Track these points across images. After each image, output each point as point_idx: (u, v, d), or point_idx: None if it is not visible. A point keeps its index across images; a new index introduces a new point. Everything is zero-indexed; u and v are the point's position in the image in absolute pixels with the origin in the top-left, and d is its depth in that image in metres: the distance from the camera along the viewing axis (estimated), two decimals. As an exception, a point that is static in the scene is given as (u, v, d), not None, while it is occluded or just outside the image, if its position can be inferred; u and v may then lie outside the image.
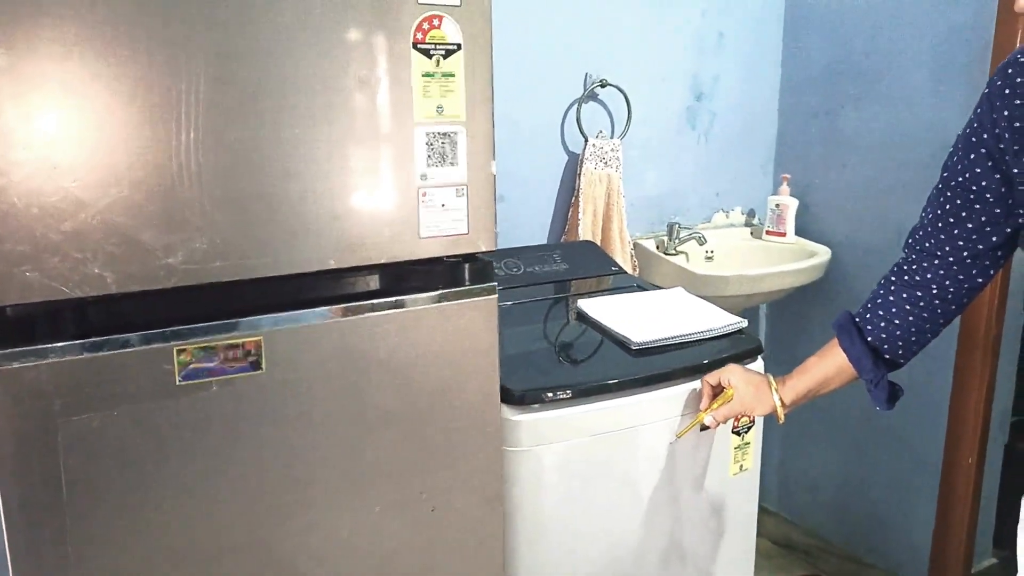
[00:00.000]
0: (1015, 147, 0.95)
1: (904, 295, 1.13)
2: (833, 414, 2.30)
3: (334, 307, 1.05)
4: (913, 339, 1.15)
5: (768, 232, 2.31)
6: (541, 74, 1.98)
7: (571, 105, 2.03)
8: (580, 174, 2.01)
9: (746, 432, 1.47)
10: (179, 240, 0.94)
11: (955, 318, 1.15)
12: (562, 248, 1.88)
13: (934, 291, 1.10)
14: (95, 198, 0.89)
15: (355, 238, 1.05)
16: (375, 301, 1.08)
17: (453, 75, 1.07)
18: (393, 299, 1.09)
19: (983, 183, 1.01)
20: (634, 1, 2.06)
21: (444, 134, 1.08)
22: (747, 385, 1.28)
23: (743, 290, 2.05)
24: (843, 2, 2.14)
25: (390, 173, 1.06)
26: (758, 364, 1.48)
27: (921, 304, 1.12)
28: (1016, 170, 0.97)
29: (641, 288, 1.76)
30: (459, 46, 1.07)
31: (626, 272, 1.90)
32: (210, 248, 0.95)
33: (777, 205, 2.29)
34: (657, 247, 2.18)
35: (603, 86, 2.04)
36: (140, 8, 0.88)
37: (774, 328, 2.53)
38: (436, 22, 1.05)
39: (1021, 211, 1.00)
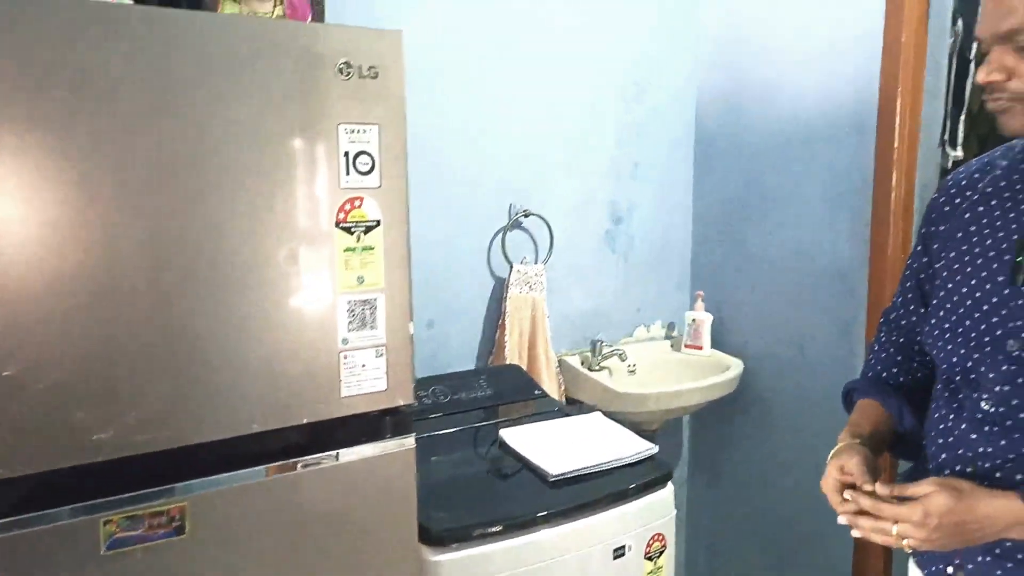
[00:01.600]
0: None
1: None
2: (756, 522, 2.41)
3: (257, 468, 1.12)
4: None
5: (687, 345, 2.46)
6: (469, 205, 2.12)
7: (497, 233, 2.16)
8: (506, 298, 2.13)
9: (658, 557, 1.55)
10: (110, 415, 1.00)
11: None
12: (488, 373, 1.97)
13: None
14: (33, 381, 0.95)
15: (280, 401, 1.13)
16: (299, 459, 1.15)
17: (373, 248, 1.18)
18: (315, 456, 1.16)
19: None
20: (554, 135, 2.23)
21: (364, 301, 1.18)
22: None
23: (663, 405, 2.17)
24: (744, 139, 2.35)
25: (314, 339, 1.15)
26: (668, 490, 1.58)
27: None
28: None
29: (562, 413, 1.86)
30: (378, 222, 1.18)
31: (548, 396, 2.00)
32: (139, 421, 1.02)
33: (693, 320, 2.44)
34: (582, 363, 2.29)
35: (527, 215, 2.18)
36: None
37: (697, 438, 2.65)
38: (358, 203, 1.16)
39: None
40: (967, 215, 1.05)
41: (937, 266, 1.08)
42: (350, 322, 1.17)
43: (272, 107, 1.08)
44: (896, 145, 1.95)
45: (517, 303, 2.13)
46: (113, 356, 1.00)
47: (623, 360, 2.29)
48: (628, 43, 2.33)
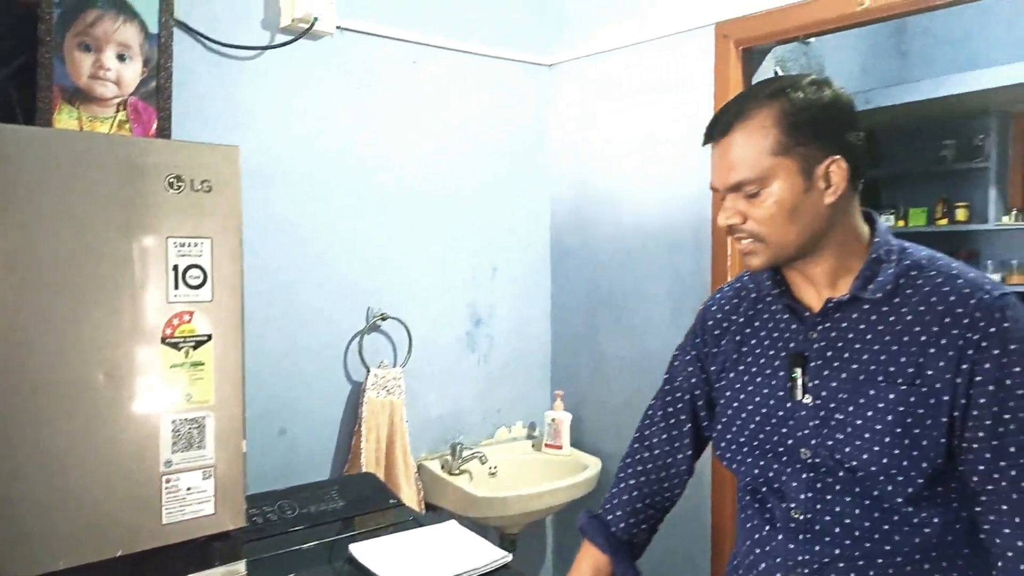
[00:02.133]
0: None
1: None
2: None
3: (62, 609, 1.02)
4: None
5: (547, 445, 2.48)
6: (324, 308, 2.09)
7: (354, 337, 2.14)
8: (363, 403, 2.09)
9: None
10: None
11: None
12: (340, 484, 1.91)
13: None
14: None
15: (94, 532, 1.04)
16: (111, 596, 1.06)
17: (203, 364, 1.14)
18: (131, 591, 1.08)
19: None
20: (413, 240, 2.27)
21: (192, 420, 1.13)
22: None
23: (523, 508, 2.16)
24: (595, 245, 2.47)
25: (132, 462, 1.08)
26: (521, 600, 1.56)
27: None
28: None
29: (417, 523, 1.81)
30: (209, 336, 1.15)
31: (404, 506, 1.95)
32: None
33: (553, 420, 2.47)
34: (442, 467, 2.26)
35: (384, 319, 2.18)
36: None
37: (560, 539, 2.64)
38: (187, 317, 1.13)
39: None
40: (738, 338, 1.14)
41: (719, 385, 1.16)
42: (175, 443, 1.11)
43: (96, 220, 1.05)
44: (729, 253, 2.10)
45: (374, 408, 2.10)
46: None
47: (483, 463, 2.28)
48: (485, 153, 2.43)
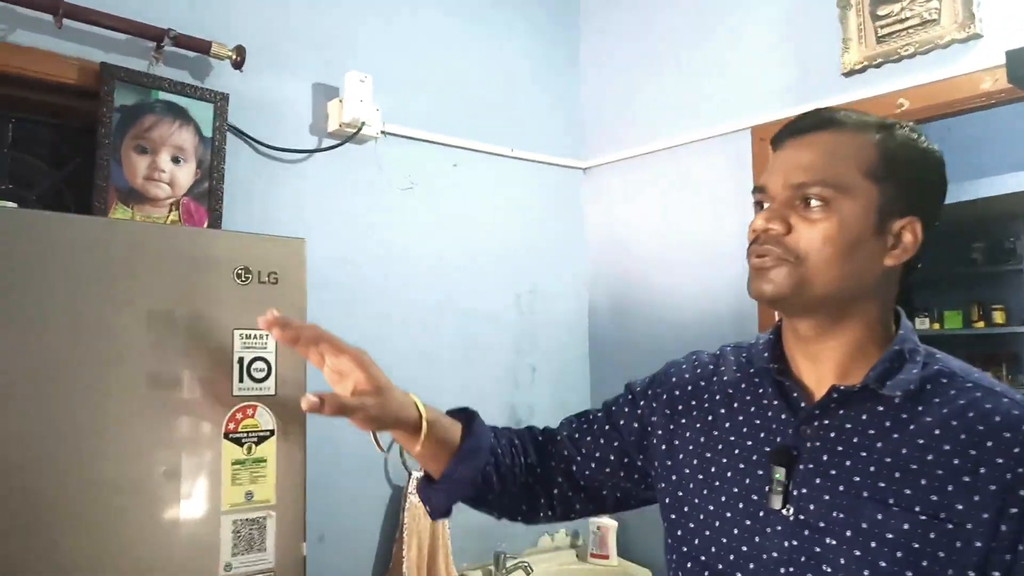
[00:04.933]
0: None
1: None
2: None
3: None
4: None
5: (592, 555, 2.36)
6: (365, 410, 2.04)
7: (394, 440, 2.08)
8: (404, 508, 2.01)
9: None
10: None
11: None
12: (384, 595, 1.81)
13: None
14: None
15: (145, 644, 0.97)
16: None
17: (265, 460, 1.10)
18: None
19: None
20: (453, 341, 2.24)
21: (252, 520, 1.07)
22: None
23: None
24: (633, 343, 2.44)
25: (190, 563, 1.02)
26: None
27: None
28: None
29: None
30: (272, 432, 1.11)
31: (450, 619, 1.84)
32: None
33: (598, 527, 2.36)
34: (484, 578, 2.15)
35: (426, 420, 2.12)
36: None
37: (607, 655, 2.47)
38: (250, 411, 1.09)
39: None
40: (709, 417, 0.91)
41: (679, 457, 0.92)
42: (235, 545, 1.05)
43: (162, 311, 1.03)
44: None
45: (416, 513, 2.01)
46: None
47: (528, 573, 2.16)
48: (523, 251, 2.44)
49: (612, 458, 1.00)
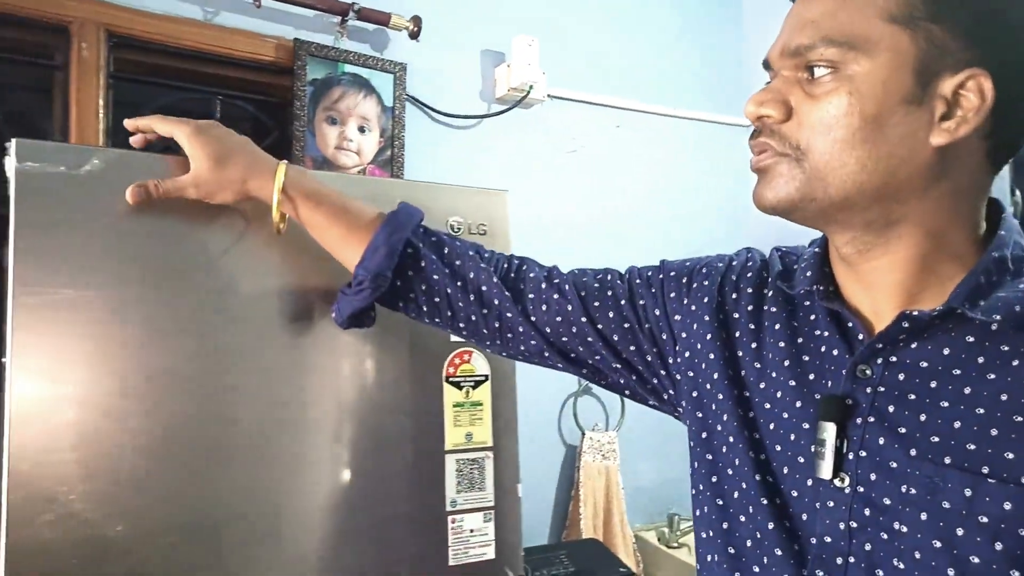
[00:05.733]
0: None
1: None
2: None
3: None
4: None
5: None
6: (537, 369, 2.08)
7: (567, 399, 2.11)
8: (579, 467, 2.04)
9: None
10: (212, 585, 0.92)
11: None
12: (567, 548, 1.84)
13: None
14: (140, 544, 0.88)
15: (378, 565, 1.03)
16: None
17: (481, 404, 1.14)
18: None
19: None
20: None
21: (473, 460, 1.12)
22: (222, 144, 0.86)
23: (750, 585, 2.00)
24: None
25: (419, 501, 1.07)
26: None
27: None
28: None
29: (652, 592, 1.71)
30: (487, 377, 1.15)
31: (633, 572, 1.85)
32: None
33: (771, 492, 2.30)
34: (659, 539, 2.14)
35: (597, 381, 2.14)
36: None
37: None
38: (466, 357, 1.13)
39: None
40: (752, 326, 0.71)
41: (706, 387, 0.73)
42: (458, 483, 1.10)
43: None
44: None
45: (591, 472, 2.04)
46: (218, 522, 0.93)
47: (702, 535, 2.14)
48: (686, 215, 2.39)
49: (616, 337, 0.82)
